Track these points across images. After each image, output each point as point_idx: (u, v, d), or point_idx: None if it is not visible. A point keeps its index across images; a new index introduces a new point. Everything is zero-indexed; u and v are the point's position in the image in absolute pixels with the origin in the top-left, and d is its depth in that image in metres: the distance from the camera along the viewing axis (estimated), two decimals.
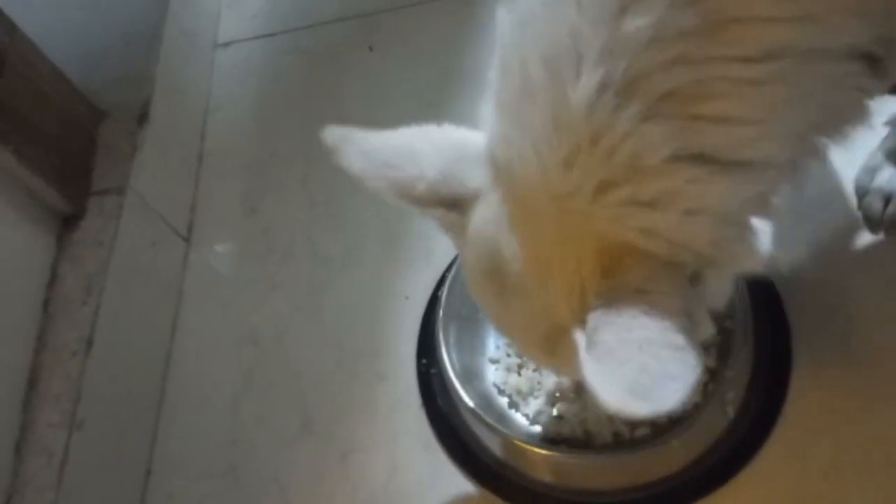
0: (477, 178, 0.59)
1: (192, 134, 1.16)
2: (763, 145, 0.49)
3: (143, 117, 1.04)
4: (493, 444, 0.82)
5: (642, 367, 0.45)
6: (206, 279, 1.07)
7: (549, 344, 0.57)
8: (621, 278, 0.50)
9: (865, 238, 0.86)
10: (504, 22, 0.53)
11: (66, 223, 0.97)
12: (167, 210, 1.06)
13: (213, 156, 1.17)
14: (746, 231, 0.53)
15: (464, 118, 1.15)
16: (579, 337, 0.49)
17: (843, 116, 0.54)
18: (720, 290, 0.60)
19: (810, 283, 0.84)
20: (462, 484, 0.84)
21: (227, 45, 1.27)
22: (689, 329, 0.47)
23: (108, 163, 1.01)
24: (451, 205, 0.61)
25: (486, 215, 0.58)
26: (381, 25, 1.21)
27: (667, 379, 0.45)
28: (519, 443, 0.80)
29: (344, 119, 1.12)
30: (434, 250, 0.98)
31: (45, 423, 0.84)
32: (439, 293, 0.89)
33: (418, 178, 0.61)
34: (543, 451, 0.79)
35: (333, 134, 0.63)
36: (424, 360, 0.91)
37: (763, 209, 0.54)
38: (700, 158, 0.48)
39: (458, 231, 0.62)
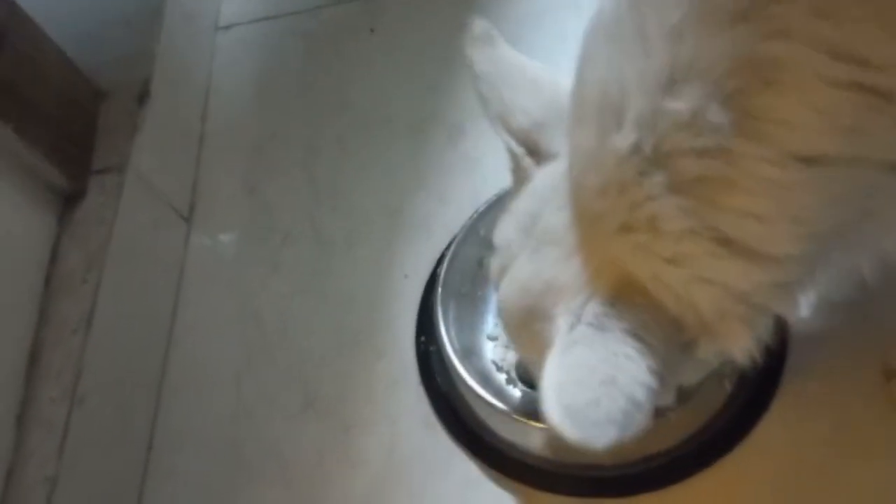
0: (560, 142, 0.60)
1: (192, 115, 1.16)
2: (788, 243, 0.48)
3: (143, 97, 1.03)
4: (491, 420, 0.83)
5: (595, 399, 0.47)
6: (207, 259, 1.08)
7: (528, 316, 0.58)
8: (624, 315, 0.51)
9: None
10: (580, 46, 0.53)
11: (67, 202, 0.97)
12: (168, 190, 1.06)
13: (214, 137, 1.17)
14: (755, 315, 0.51)
15: (464, 101, 1.15)
16: (560, 332, 0.51)
17: (885, 223, 0.52)
18: (700, 368, 0.62)
19: None
20: (461, 459, 0.84)
21: (228, 27, 1.27)
22: (656, 392, 0.49)
23: (109, 142, 1.00)
24: (532, 151, 0.63)
25: (548, 180, 0.60)
26: (382, 8, 1.20)
27: (608, 422, 0.47)
28: (517, 418, 0.80)
29: (345, 101, 1.13)
30: (433, 228, 0.99)
31: (47, 398, 0.85)
32: (438, 271, 0.90)
33: (523, 113, 0.63)
34: (541, 426, 0.79)
35: (482, 26, 0.64)
36: (423, 338, 0.92)
37: (782, 299, 0.52)
38: (720, 240, 0.48)
39: (522, 176, 0.64)
